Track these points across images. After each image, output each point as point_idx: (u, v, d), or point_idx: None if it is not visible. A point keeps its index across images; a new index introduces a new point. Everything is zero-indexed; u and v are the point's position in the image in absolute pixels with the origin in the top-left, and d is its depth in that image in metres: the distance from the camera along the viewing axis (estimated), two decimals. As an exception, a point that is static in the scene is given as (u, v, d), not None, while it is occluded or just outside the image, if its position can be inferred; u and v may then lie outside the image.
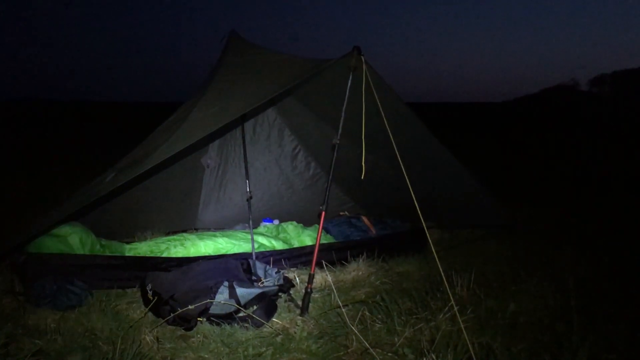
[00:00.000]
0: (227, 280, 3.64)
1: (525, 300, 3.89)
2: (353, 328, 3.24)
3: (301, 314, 3.69)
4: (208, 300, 3.46)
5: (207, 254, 4.57)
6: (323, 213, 3.98)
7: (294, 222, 5.58)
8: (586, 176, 10.45)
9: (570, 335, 3.25)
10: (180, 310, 3.37)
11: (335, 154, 4.00)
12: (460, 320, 3.02)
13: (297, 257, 4.74)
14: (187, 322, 3.41)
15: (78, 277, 3.84)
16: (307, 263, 4.58)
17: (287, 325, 3.53)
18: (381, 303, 3.70)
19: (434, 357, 2.94)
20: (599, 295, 4.01)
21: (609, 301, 3.92)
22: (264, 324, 3.49)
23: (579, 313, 3.54)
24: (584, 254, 5.04)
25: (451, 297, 3.21)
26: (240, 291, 3.60)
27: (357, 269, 4.60)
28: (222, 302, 3.50)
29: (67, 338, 3.14)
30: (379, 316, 3.53)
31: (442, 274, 3.28)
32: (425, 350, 3.03)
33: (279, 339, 3.33)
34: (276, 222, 5.79)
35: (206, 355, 3.10)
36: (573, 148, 16.32)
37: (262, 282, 4.11)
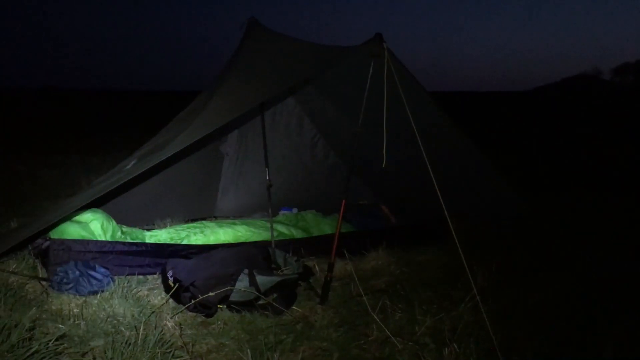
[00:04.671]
0: (247, 268, 3.64)
1: (548, 292, 3.85)
2: (374, 316, 3.23)
3: (321, 303, 3.68)
4: (228, 288, 3.47)
5: (226, 242, 4.59)
6: (343, 202, 3.96)
7: (314, 211, 5.57)
8: (608, 169, 10.26)
9: (594, 328, 3.21)
10: (200, 297, 3.38)
11: (356, 143, 3.96)
12: (482, 310, 2.99)
13: (316, 245, 4.73)
14: (207, 309, 3.43)
15: (100, 263, 3.88)
16: (326, 252, 4.56)
17: (307, 314, 3.53)
18: (402, 292, 3.69)
19: (455, 346, 2.92)
20: (621, 288, 3.95)
21: (631, 294, 3.85)
22: (284, 311, 3.50)
23: (602, 306, 3.49)
24: (606, 246, 4.95)
25: (474, 287, 3.17)
26: (260, 279, 3.60)
27: (377, 258, 4.57)
28: (242, 289, 3.51)
29: (90, 323, 3.18)
30: (400, 305, 3.52)
31: (465, 263, 3.24)
32: (447, 340, 3.01)
33: (299, 326, 3.33)
34: (294, 210, 5.77)
35: (227, 342, 3.11)
36: (593, 140, 15.99)
37: (282, 271, 4.12)
